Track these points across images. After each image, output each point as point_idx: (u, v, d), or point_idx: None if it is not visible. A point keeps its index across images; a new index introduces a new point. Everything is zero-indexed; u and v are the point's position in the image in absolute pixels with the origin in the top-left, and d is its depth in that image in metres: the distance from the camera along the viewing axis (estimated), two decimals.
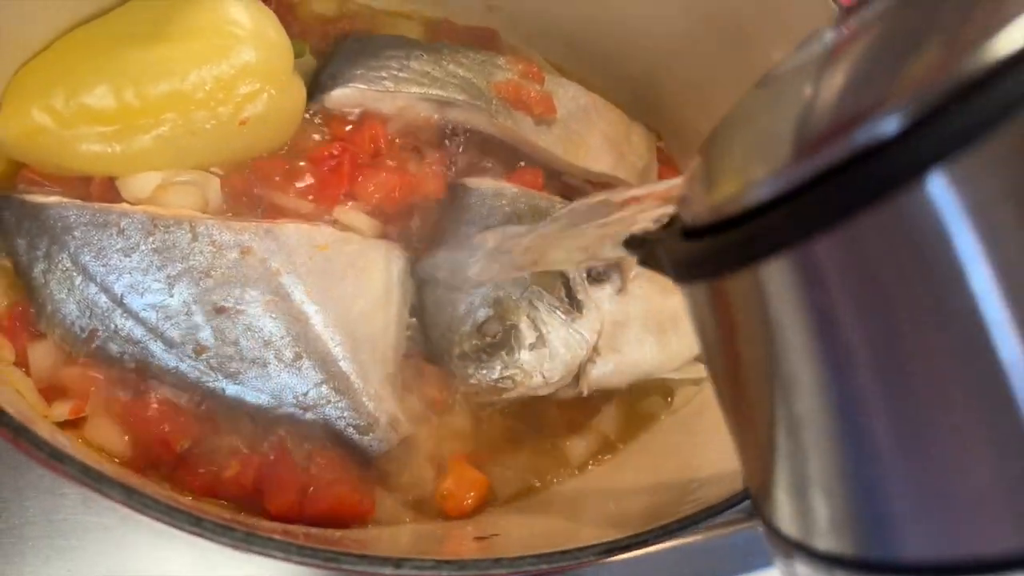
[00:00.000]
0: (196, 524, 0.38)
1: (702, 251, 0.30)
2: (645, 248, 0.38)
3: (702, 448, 0.63)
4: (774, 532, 0.33)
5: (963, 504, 0.25)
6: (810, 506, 0.30)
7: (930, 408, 0.25)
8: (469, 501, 0.59)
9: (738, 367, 0.31)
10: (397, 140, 0.70)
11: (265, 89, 0.60)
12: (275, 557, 0.42)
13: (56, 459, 0.36)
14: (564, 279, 0.68)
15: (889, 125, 0.23)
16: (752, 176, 0.27)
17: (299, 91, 0.65)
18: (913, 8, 0.27)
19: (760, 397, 0.30)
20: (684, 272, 0.32)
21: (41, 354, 0.56)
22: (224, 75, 0.59)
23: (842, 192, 0.24)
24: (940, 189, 0.23)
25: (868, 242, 0.24)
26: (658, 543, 0.49)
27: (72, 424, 0.55)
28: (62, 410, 0.54)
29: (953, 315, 0.24)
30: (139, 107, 0.58)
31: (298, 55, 0.66)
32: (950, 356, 0.24)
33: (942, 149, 0.22)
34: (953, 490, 0.25)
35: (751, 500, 0.35)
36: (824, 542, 0.29)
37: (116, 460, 0.55)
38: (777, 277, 0.27)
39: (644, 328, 0.72)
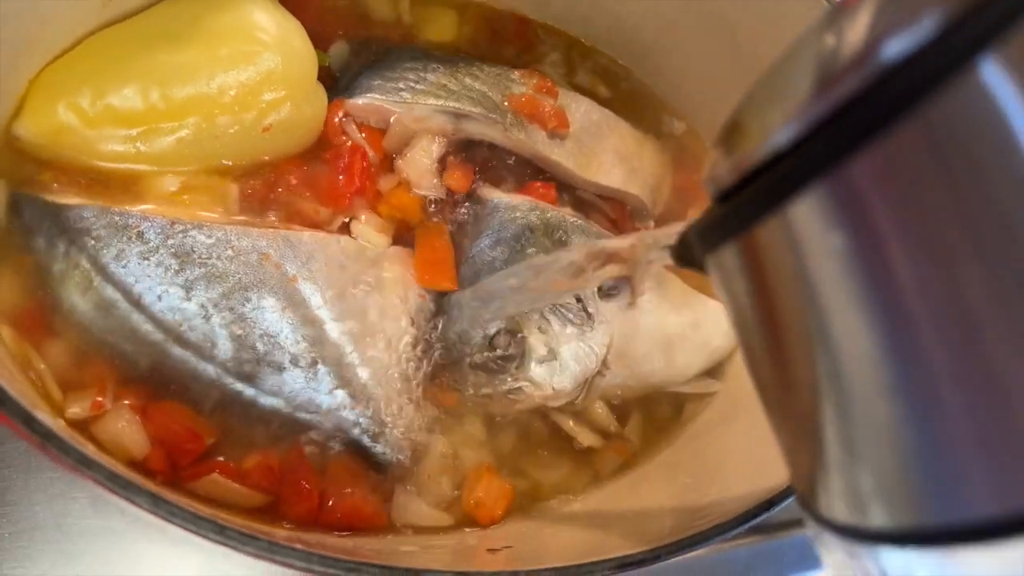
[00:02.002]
0: (220, 533, 0.38)
1: (727, 209, 0.28)
2: (681, 247, 0.37)
3: (713, 464, 0.64)
4: (826, 523, 0.30)
5: None
6: (861, 479, 0.27)
7: (997, 334, 0.22)
8: (499, 510, 0.60)
9: (776, 335, 0.29)
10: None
11: (289, 97, 0.61)
12: (296, 567, 0.42)
13: (84, 465, 0.36)
14: (575, 293, 0.69)
15: (925, 29, 0.21)
16: (771, 121, 0.25)
17: (321, 100, 0.65)
18: None
19: (800, 364, 0.28)
20: (711, 238, 0.30)
21: (57, 352, 0.56)
22: (249, 81, 0.60)
23: (868, 108, 0.22)
24: (993, 74, 0.21)
25: (910, 154, 0.22)
26: (670, 557, 0.49)
27: (83, 422, 0.55)
28: (80, 408, 0.54)
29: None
30: (164, 109, 0.58)
31: (321, 64, 0.66)
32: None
33: (989, 34, 0.21)
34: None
35: (799, 500, 0.33)
36: (879, 518, 0.27)
37: (127, 460, 0.55)
38: (810, 216, 0.25)
39: (652, 342, 0.72)
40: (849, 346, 0.26)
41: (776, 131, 0.25)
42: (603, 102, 0.82)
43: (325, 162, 0.67)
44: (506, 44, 0.82)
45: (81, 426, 0.53)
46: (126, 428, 0.52)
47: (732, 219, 0.28)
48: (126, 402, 0.55)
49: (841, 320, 0.25)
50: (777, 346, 0.30)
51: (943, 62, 0.21)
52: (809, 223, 0.25)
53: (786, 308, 0.28)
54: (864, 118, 0.23)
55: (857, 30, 0.24)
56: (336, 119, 0.67)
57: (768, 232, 0.27)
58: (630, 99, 0.87)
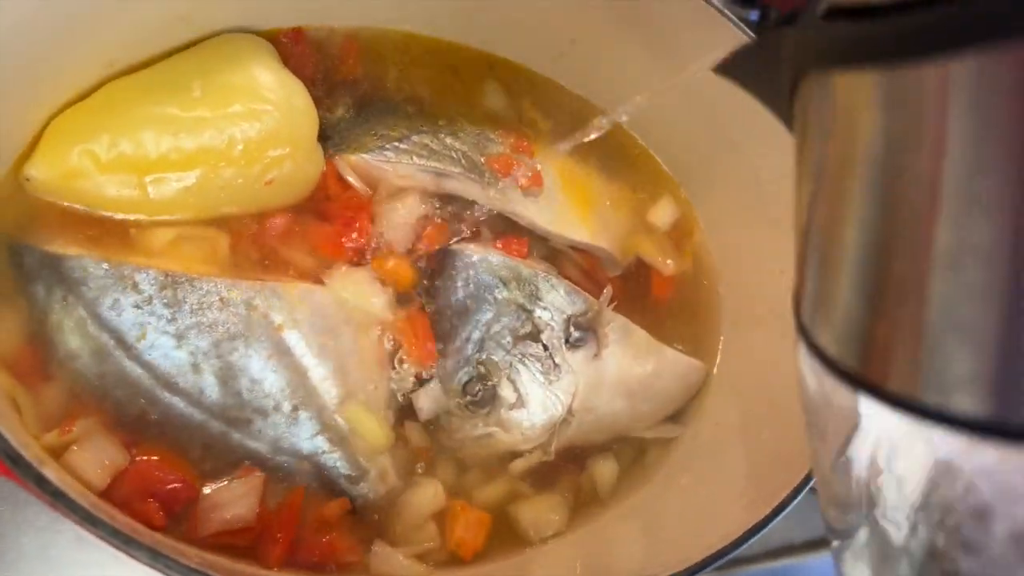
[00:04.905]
0: None
1: (888, 29, 0.23)
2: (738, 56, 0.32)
3: (673, 511, 0.68)
4: (818, 352, 0.28)
5: None
6: (946, 358, 0.25)
7: None
8: (479, 540, 0.64)
9: (886, 194, 0.26)
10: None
11: (292, 155, 0.65)
12: None
13: (89, 522, 0.39)
14: (543, 345, 0.73)
15: None
16: None
17: (319, 157, 0.70)
18: None
19: (915, 225, 0.25)
20: (840, 56, 0.25)
21: (51, 396, 0.59)
22: (257, 137, 0.64)
23: None
24: None
25: None
26: None
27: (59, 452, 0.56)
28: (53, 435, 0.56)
29: None
30: (175, 160, 0.62)
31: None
32: None
33: None
34: None
35: (796, 320, 0.31)
36: (961, 401, 0.25)
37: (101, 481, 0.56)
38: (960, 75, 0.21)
39: (616, 392, 0.77)
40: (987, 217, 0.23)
41: None
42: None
43: (317, 215, 0.70)
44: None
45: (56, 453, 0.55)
46: (93, 468, 0.55)
47: (896, 45, 0.23)
48: (106, 445, 0.57)
49: (990, 189, 0.23)
50: (848, 188, 0.27)
51: None
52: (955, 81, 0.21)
53: (914, 161, 0.24)
54: None
55: None
56: (331, 174, 0.71)
57: (921, 73, 0.22)
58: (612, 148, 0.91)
